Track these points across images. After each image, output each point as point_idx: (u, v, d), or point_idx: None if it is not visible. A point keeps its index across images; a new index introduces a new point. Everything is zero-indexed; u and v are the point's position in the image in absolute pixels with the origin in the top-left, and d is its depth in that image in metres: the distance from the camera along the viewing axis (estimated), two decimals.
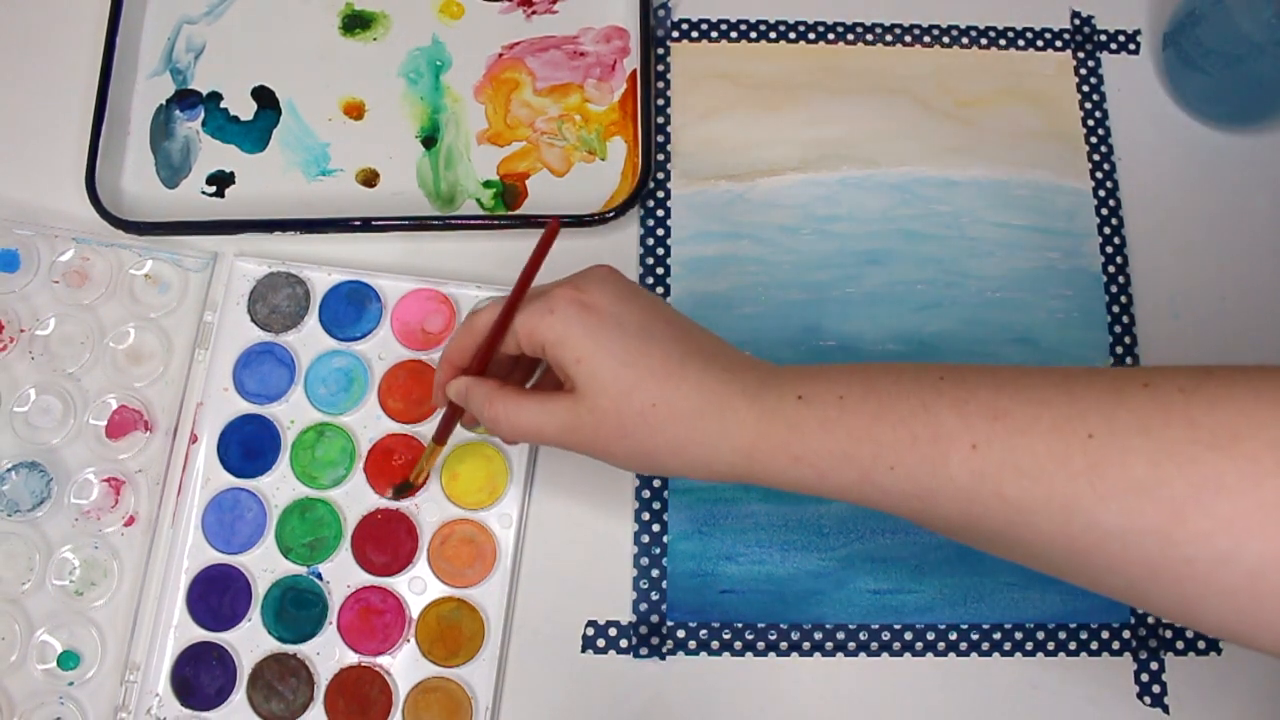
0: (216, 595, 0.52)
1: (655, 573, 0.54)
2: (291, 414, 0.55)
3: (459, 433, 0.54)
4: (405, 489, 0.53)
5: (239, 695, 0.51)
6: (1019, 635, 0.53)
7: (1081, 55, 0.63)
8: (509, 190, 0.59)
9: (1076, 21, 0.63)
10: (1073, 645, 0.53)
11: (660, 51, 0.62)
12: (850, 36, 0.63)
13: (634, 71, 0.61)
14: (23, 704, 0.51)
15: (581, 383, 0.41)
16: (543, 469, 0.55)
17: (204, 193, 0.59)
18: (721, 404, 0.40)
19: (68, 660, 0.51)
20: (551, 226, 0.43)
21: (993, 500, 0.36)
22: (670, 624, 0.53)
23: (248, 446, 0.54)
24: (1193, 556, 0.33)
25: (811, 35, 0.63)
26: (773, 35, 0.62)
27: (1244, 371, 0.34)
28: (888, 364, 0.41)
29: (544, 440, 0.43)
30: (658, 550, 0.54)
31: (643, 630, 0.53)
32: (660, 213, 0.59)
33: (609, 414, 0.41)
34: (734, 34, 0.62)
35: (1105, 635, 0.53)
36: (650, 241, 0.58)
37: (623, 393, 0.40)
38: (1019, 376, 0.37)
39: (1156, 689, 0.53)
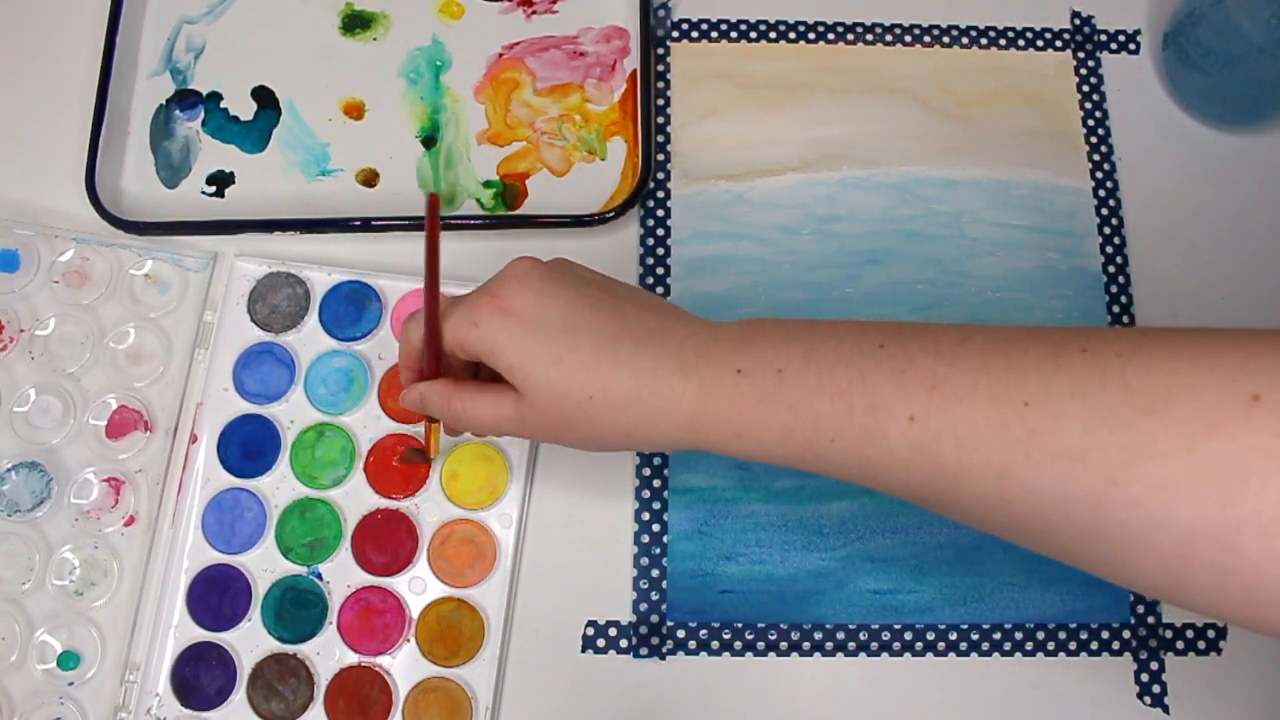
0: (216, 595, 0.52)
1: (655, 573, 0.54)
2: (291, 414, 0.55)
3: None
4: (418, 455, 0.53)
5: (239, 695, 0.51)
6: (1019, 635, 0.53)
7: (1081, 55, 0.63)
8: (509, 190, 0.59)
9: (1076, 21, 0.63)
10: (1073, 645, 0.53)
11: (660, 51, 0.62)
12: (850, 36, 0.63)
13: (634, 71, 0.61)
14: (23, 704, 0.51)
15: (519, 385, 0.42)
16: (543, 469, 0.55)
17: (204, 193, 0.59)
18: (657, 385, 0.40)
19: (68, 660, 0.51)
20: (430, 206, 0.43)
21: (931, 468, 0.36)
22: (670, 624, 0.53)
23: (248, 446, 0.54)
24: (1125, 521, 0.33)
25: (811, 35, 0.63)
26: (773, 35, 0.62)
27: (1182, 334, 0.34)
28: (831, 323, 0.40)
29: (504, 432, 0.44)
30: (658, 550, 0.54)
31: (643, 630, 0.53)
32: (660, 213, 0.59)
33: (549, 412, 0.42)
34: (734, 34, 0.62)
35: (1105, 635, 0.53)
36: (650, 241, 0.58)
37: (558, 391, 0.41)
38: (961, 340, 0.37)
39: (1156, 689, 0.53)
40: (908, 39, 0.63)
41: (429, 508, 0.54)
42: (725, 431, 0.40)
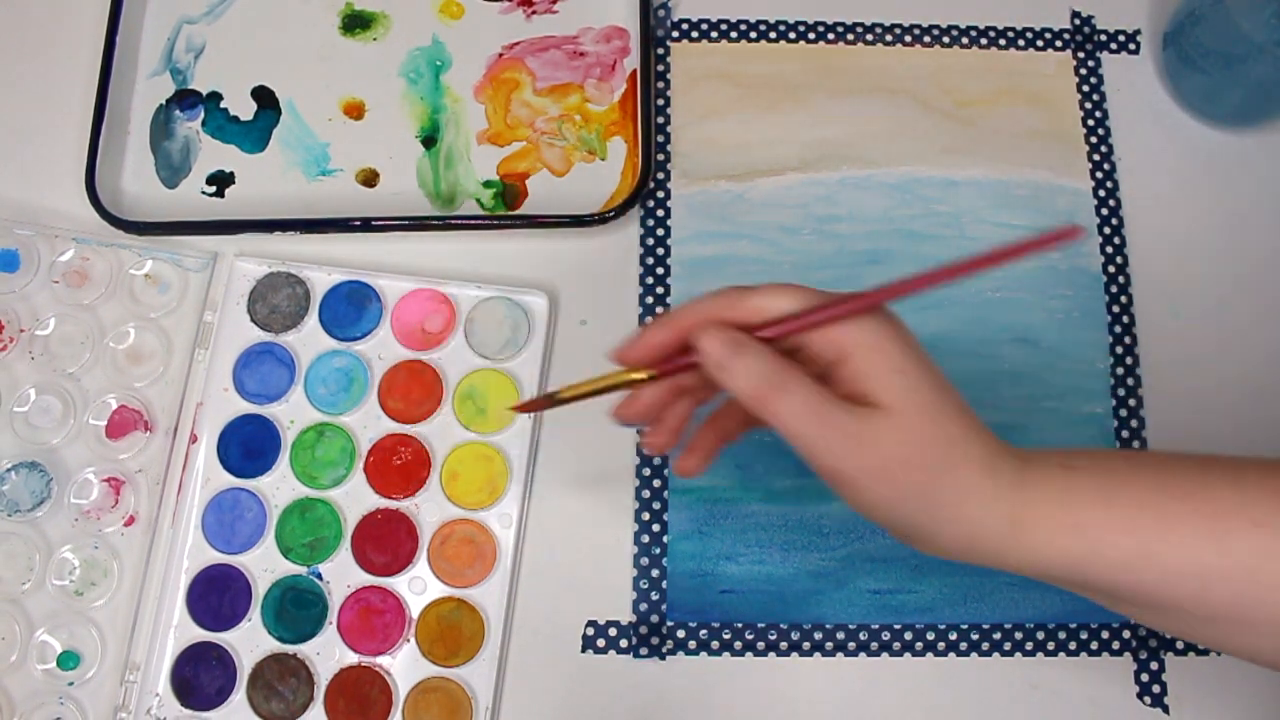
0: (216, 595, 0.52)
1: (655, 573, 0.54)
2: (291, 414, 0.55)
3: (459, 433, 0.54)
4: (550, 398, 0.42)
5: (239, 695, 0.51)
6: (1019, 635, 0.53)
7: (1081, 55, 0.63)
8: (509, 190, 0.59)
9: (1076, 21, 0.63)
10: (1073, 645, 0.53)
11: (660, 51, 0.62)
12: (850, 36, 0.63)
13: (634, 71, 0.61)
14: (23, 704, 0.51)
15: (893, 396, 0.36)
16: (543, 469, 0.55)
17: (204, 193, 0.59)
18: (997, 457, 0.37)
19: (68, 660, 0.51)
20: (1063, 233, 0.36)
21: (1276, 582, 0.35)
22: (670, 624, 0.53)
23: (248, 446, 0.54)
24: None
25: (811, 35, 0.62)
26: (773, 35, 0.62)
27: None
28: (1120, 451, 0.39)
29: (816, 439, 0.37)
30: (658, 550, 0.54)
31: (643, 630, 0.53)
32: (660, 213, 0.59)
33: (913, 435, 0.36)
34: (734, 34, 0.62)
35: (1105, 635, 0.53)
36: (650, 241, 0.58)
37: (939, 415, 0.37)
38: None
39: (1156, 689, 0.53)
40: (908, 39, 0.63)
41: (429, 508, 0.54)
42: (1052, 523, 0.37)
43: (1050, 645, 0.53)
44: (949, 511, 0.37)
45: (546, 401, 0.43)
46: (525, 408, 0.50)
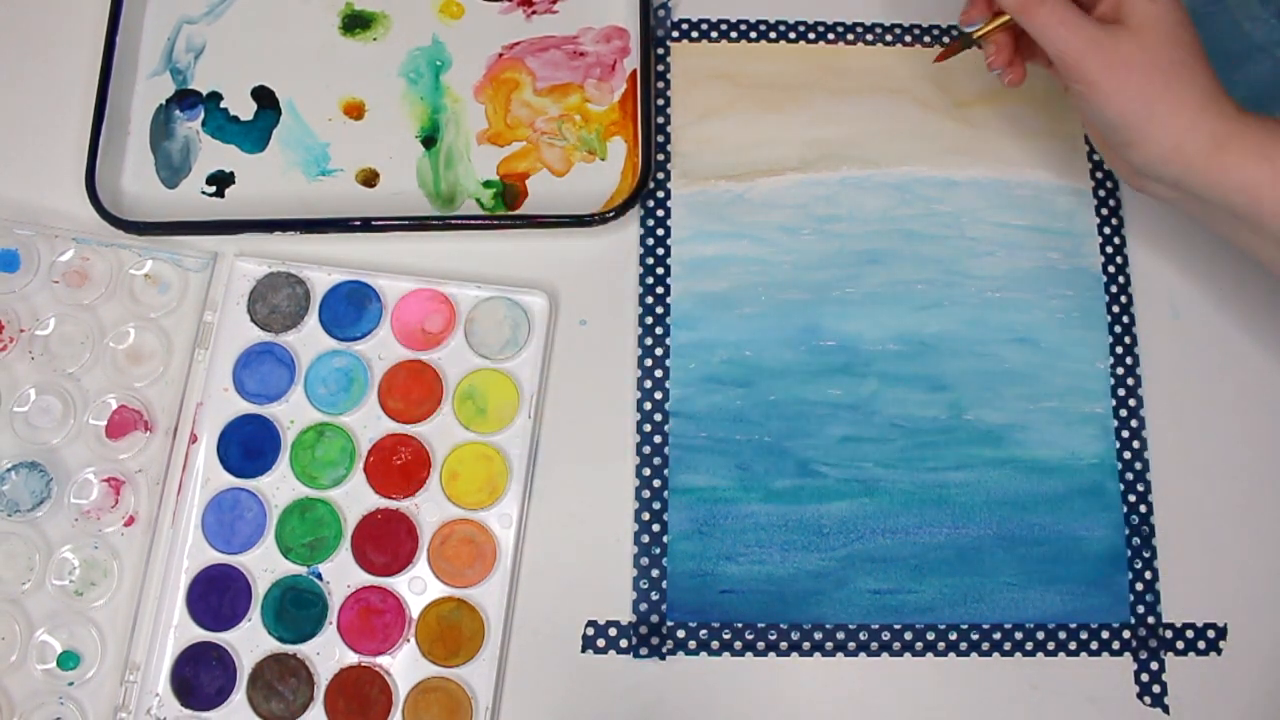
0: (216, 595, 0.52)
1: (655, 573, 0.54)
2: (291, 414, 0.55)
3: (459, 433, 0.54)
4: (968, 40, 0.53)
5: (239, 695, 0.51)
6: (1019, 635, 0.53)
7: None
8: (509, 190, 0.59)
9: None
10: (1073, 645, 0.53)
11: (660, 51, 0.62)
12: (850, 36, 0.63)
13: (634, 71, 0.61)
14: (23, 704, 0.51)
15: (1139, 19, 0.47)
16: (543, 469, 0.55)
17: (204, 193, 0.59)
18: (1221, 95, 0.48)
19: (68, 660, 0.51)
20: None
21: None
22: (670, 624, 0.53)
23: (248, 446, 0.54)
24: None
25: (811, 35, 0.62)
26: (773, 35, 0.62)
27: None
28: None
29: (1067, 43, 0.48)
30: (658, 550, 0.54)
31: (643, 630, 0.53)
32: (660, 213, 0.59)
33: (1149, 51, 0.47)
34: (734, 34, 0.62)
35: (1105, 635, 0.53)
36: (650, 241, 0.58)
37: (1175, 40, 0.47)
38: None
39: (1156, 689, 0.53)
40: (908, 39, 0.63)
41: (429, 508, 0.54)
42: (1252, 152, 0.46)
43: (1050, 645, 0.53)
44: (1164, 117, 0.47)
45: (963, 44, 0.54)
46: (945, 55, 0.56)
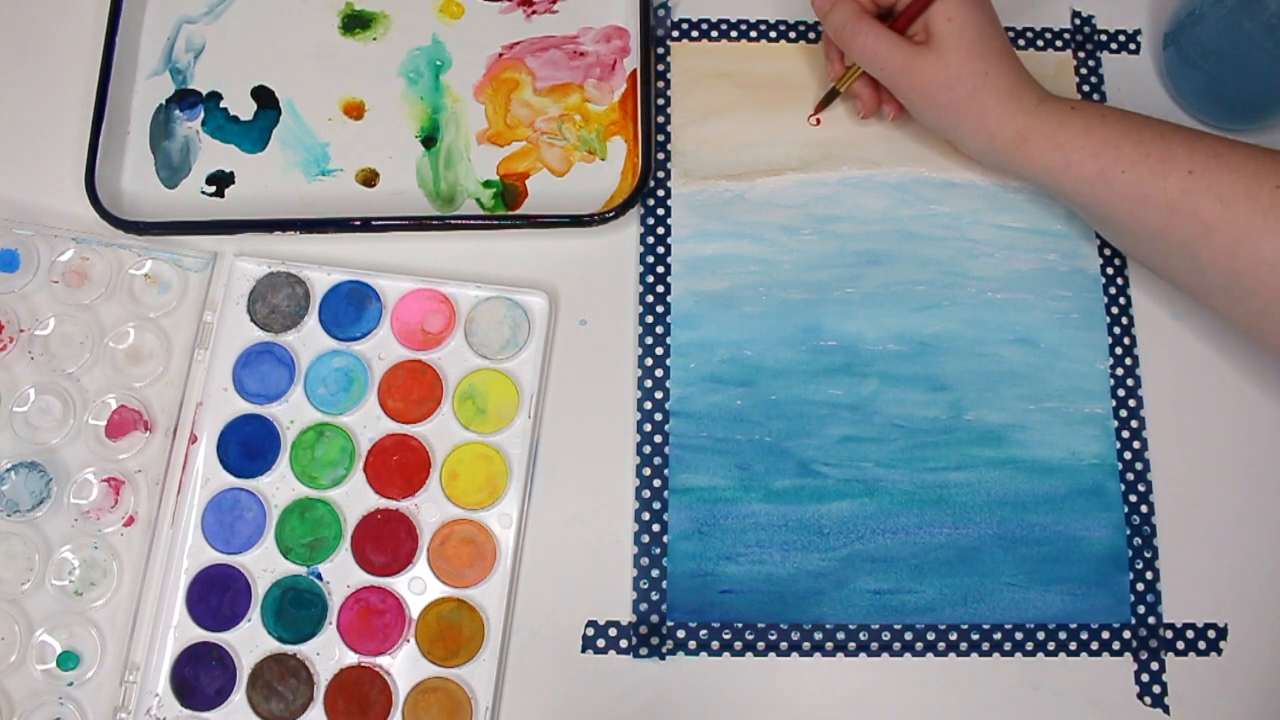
0: (216, 595, 0.52)
1: (655, 573, 0.54)
2: (291, 414, 0.55)
3: (459, 433, 0.54)
4: (830, 94, 0.60)
5: (239, 695, 0.51)
6: (1019, 635, 0.53)
7: (1082, 55, 0.62)
8: (509, 190, 0.59)
9: (1076, 21, 0.63)
10: (1073, 645, 0.53)
11: (660, 51, 0.62)
12: None
13: (634, 71, 0.61)
14: (22, 704, 0.51)
15: (942, 38, 0.52)
16: (543, 469, 0.55)
17: (204, 193, 0.59)
18: (1023, 91, 0.53)
19: (67, 660, 0.51)
20: None
21: (1189, 215, 0.49)
22: (670, 624, 0.53)
23: (247, 446, 0.54)
24: None
25: (811, 35, 0.62)
26: (773, 35, 0.62)
27: None
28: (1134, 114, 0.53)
29: (882, 69, 0.54)
30: (658, 550, 0.54)
31: (643, 630, 0.53)
32: (660, 212, 0.59)
33: (950, 68, 0.52)
34: (734, 34, 0.62)
35: (1105, 635, 0.53)
36: (650, 241, 0.58)
37: (974, 54, 0.52)
38: (1231, 146, 0.50)
39: (1157, 689, 0.53)
40: None
41: (429, 508, 0.54)
42: (1047, 144, 0.52)
43: (1050, 645, 0.53)
44: (973, 122, 0.53)
45: (829, 98, 0.60)
46: (825, 102, 0.61)
